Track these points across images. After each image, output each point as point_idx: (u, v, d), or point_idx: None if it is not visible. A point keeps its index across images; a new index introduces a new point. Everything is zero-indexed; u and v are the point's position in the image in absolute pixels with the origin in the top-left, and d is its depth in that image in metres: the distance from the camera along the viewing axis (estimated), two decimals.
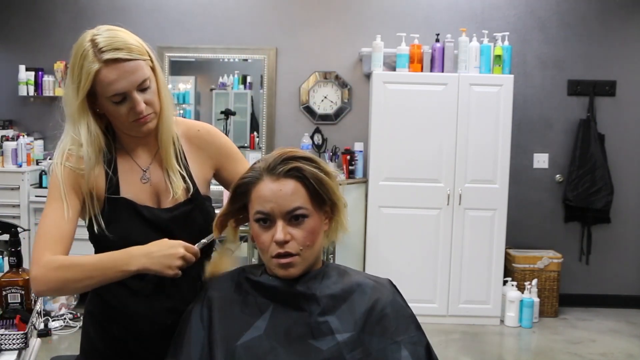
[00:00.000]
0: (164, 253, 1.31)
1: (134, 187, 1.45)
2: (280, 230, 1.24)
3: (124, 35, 1.35)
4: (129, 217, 1.42)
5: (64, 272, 1.31)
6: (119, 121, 1.40)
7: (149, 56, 1.39)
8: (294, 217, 1.25)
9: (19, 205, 4.30)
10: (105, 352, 1.51)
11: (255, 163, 1.32)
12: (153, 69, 1.40)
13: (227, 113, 4.84)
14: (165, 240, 1.35)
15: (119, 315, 1.47)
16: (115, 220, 1.41)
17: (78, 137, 1.38)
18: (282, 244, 1.24)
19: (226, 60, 4.80)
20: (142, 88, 1.36)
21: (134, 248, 1.33)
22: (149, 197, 1.46)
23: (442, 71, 4.27)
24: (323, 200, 1.29)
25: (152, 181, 1.47)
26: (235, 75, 4.85)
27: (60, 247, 1.34)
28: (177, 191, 1.44)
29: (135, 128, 1.40)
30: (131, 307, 1.46)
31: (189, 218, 1.47)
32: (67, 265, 1.32)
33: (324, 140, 4.71)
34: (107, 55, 1.31)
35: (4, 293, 1.71)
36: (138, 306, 1.46)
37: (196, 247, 1.38)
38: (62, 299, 4.16)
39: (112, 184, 1.43)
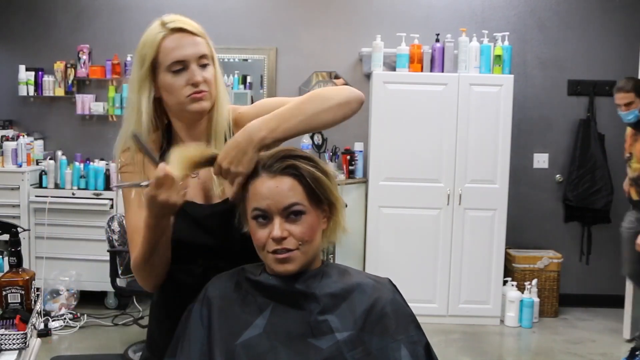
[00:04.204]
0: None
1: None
2: (277, 227, 1.24)
3: (189, 20, 1.44)
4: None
5: (142, 270, 1.40)
6: (174, 96, 1.40)
7: (211, 46, 1.44)
8: (291, 213, 1.25)
9: (19, 205, 4.31)
10: (163, 348, 1.48)
11: None
12: (212, 58, 1.44)
13: None
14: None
15: (175, 309, 1.46)
16: None
17: (139, 105, 1.40)
18: (279, 240, 1.25)
19: (226, 60, 4.79)
20: (201, 64, 1.40)
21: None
22: (198, 193, 1.46)
23: (442, 71, 4.27)
24: (320, 199, 1.29)
25: (201, 177, 1.47)
26: (235, 75, 4.84)
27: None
28: (220, 187, 1.43)
29: (190, 105, 1.40)
30: (184, 301, 1.44)
31: (228, 215, 1.42)
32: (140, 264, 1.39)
33: (324, 140, 4.71)
34: (172, 25, 1.39)
35: (4, 293, 1.71)
36: (188, 300, 1.44)
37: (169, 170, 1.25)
38: (62, 299, 4.16)
39: None
